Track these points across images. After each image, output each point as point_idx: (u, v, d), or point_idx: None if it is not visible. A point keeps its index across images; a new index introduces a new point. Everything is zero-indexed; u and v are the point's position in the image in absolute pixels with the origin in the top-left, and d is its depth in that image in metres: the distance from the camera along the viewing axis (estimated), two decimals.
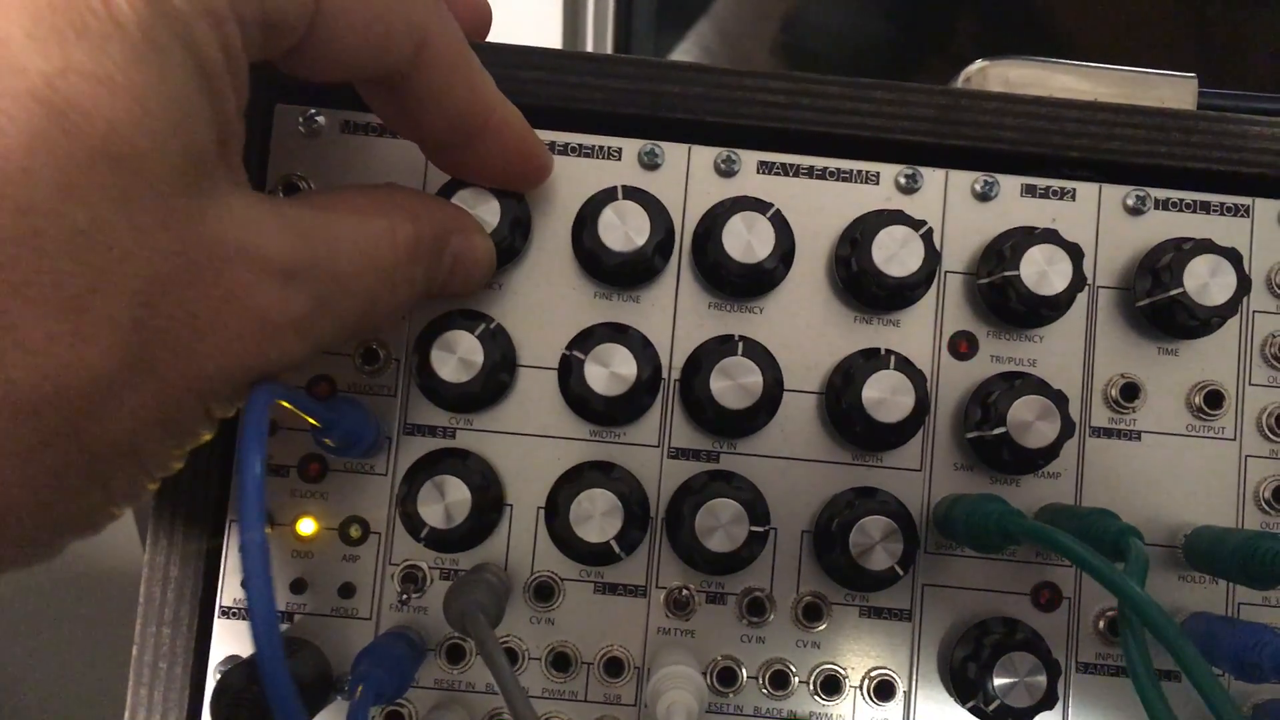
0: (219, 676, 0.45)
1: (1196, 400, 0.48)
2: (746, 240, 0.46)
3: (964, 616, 0.48)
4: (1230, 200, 0.50)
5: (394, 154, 0.48)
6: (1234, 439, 0.49)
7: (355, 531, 0.48)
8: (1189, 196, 0.50)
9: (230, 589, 0.47)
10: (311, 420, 0.40)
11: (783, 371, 0.48)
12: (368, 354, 0.48)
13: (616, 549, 0.45)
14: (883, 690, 0.47)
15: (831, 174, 0.49)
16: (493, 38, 0.49)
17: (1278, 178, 0.50)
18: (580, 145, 0.49)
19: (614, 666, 0.47)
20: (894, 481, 0.48)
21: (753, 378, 0.45)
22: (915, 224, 0.46)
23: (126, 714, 0.46)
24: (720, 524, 0.45)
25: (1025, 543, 0.45)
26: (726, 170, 0.49)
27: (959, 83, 0.53)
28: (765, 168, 0.49)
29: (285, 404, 0.35)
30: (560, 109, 0.48)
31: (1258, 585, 0.44)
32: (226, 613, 0.47)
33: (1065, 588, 0.48)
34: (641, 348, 0.46)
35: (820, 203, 0.49)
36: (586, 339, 0.46)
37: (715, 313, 0.49)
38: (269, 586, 0.30)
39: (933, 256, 0.46)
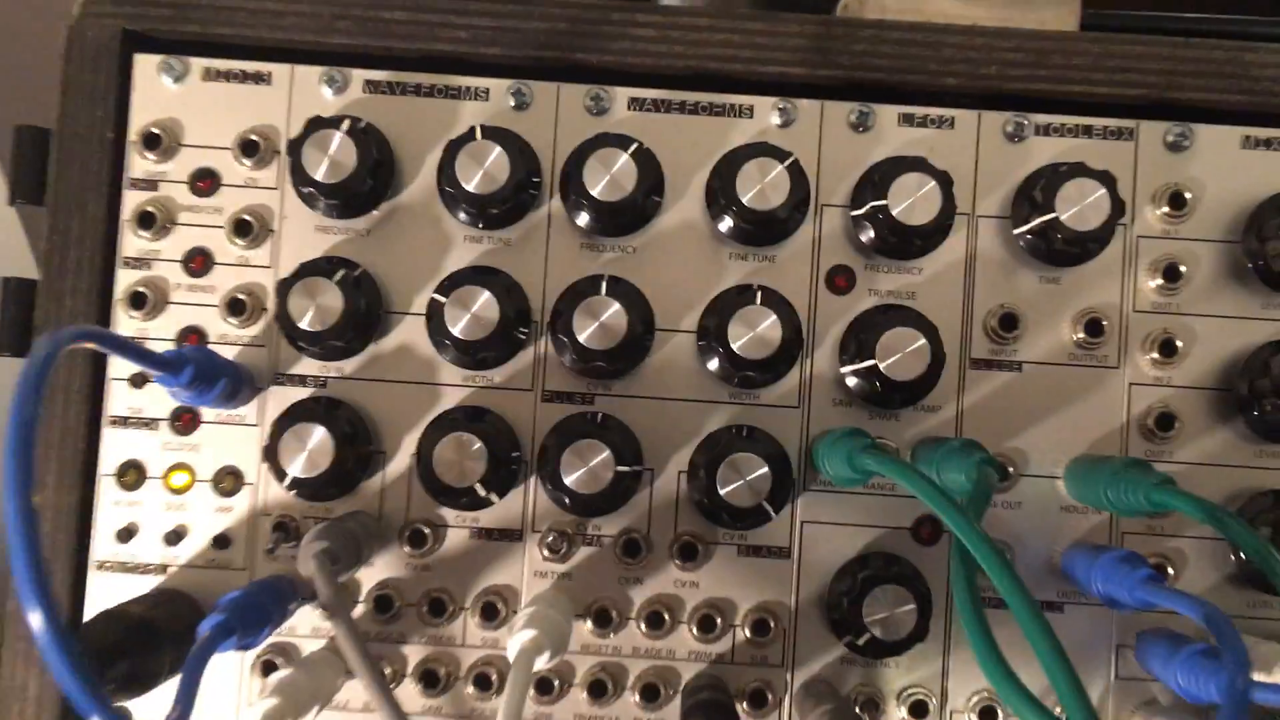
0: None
1: (1078, 329, 0.48)
2: (608, 177, 0.45)
3: (845, 553, 0.48)
4: (1114, 123, 0.48)
5: (256, 100, 0.48)
6: (1118, 367, 0.48)
7: (228, 483, 0.47)
8: (1071, 121, 0.49)
9: (104, 544, 0.47)
10: (129, 360, 0.38)
11: (656, 311, 0.47)
12: (233, 304, 0.47)
13: (482, 492, 0.45)
14: (759, 628, 0.47)
15: (704, 109, 0.48)
16: None
17: (1162, 99, 0.48)
18: (446, 87, 0.48)
19: (490, 611, 0.47)
20: (772, 419, 0.47)
21: (617, 318, 0.45)
22: (780, 154, 0.45)
23: None
24: (587, 465, 0.44)
25: (877, 475, 0.44)
26: (596, 109, 0.48)
27: (838, 11, 0.52)
28: (636, 104, 0.48)
29: (91, 345, 0.35)
30: (424, 51, 0.47)
31: (1124, 513, 0.43)
32: (102, 566, 0.47)
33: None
34: (506, 291, 0.45)
35: (694, 138, 0.48)
36: (451, 282, 0.45)
37: (587, 252, 0.48)
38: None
39: (800, 186, 0.46)
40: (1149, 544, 0.48)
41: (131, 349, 0.37)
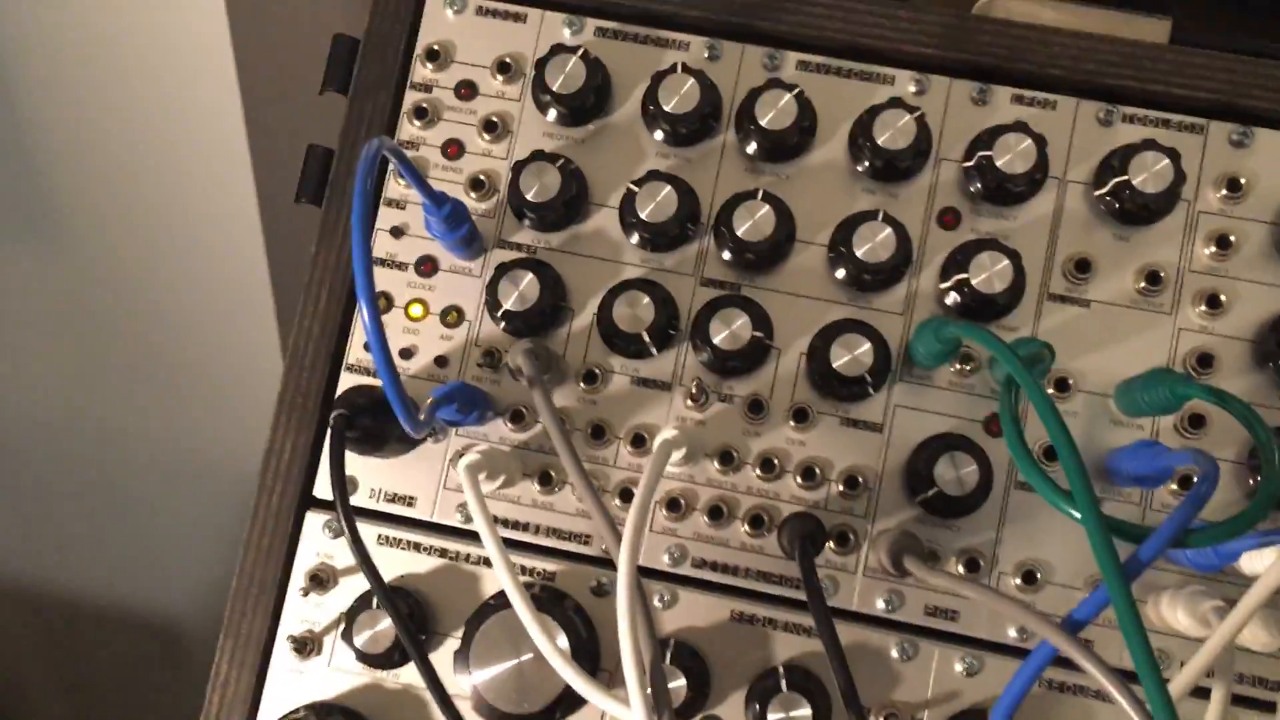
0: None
1: (1140, 279, 0.59)
2: (775, 111, 0.58)
3: (927, 433, 0.59)
4: (1188, 120, 0.60)
5: (512, 33, 0.63)
6: (1170, 313, 0.59)
7: (452, 318, 0.61)
8: (1152, 114, 0.60)
9: (355, 351, 0.62)
10: (412, 179, 0.52)
11: (798, 225, 0.60)
12: (475, 182, 0.62)
13: (647, 339, 0.58)
14: (850, 483, 0.59)
15: (856, 74, 0.61)
16: None
17: (1230, 104, 0.60)
18: (656, 37, 0.62)
19: (638, 440, 0.60)
20: (880, 321, 0.59)
21: (768, 218, 0.58)
22: (912, 109, 0.58)
23: (270, 435, 0.61)
24: (729, 327, 0.57)
25: (957, 337, 0.55)
26: (770, 66, 0.62)
27: (974, 10, 0.65)
28: (803, 65, 0.62)
29: (392, 157, 0.49)
30: (643, 8, 0.62)
31: (1156, 411, 0.54)
32: (351, 368, 0.62)
33: None
34: (685, 190, 0.59)
35: (845, 96, 0.61)
36: (645, 177, 0.59)
37: (750, 175, 0.61)
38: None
39: (924, 137, 0.58)
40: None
41: (416, 172, 0.52)
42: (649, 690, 0.47)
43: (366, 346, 0.62)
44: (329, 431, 0.54)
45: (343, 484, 0.52)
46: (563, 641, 0.55)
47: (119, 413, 1.33)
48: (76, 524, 1.40)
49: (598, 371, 0.60)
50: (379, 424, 0.56)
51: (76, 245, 1.22)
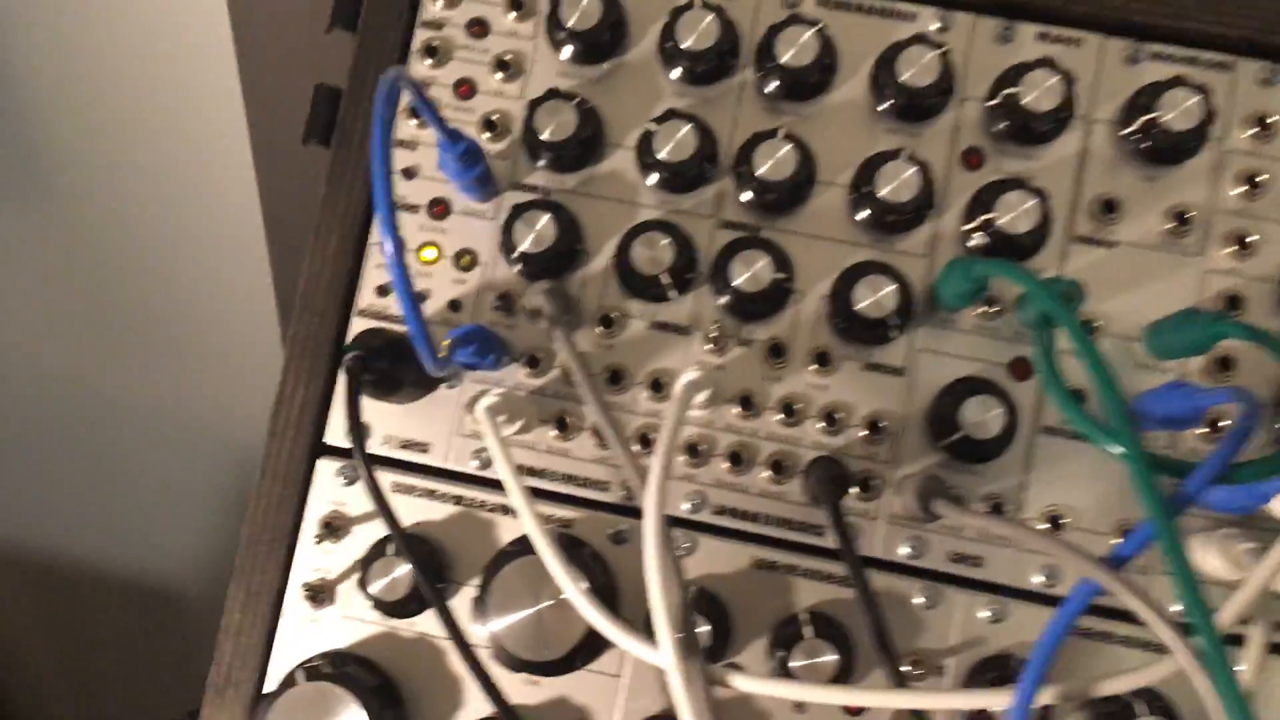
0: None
1: (1168, 219, 0.57)
2: (795, 48, 0.57)
3: (950, 377, 0.58)
4: (1217, 57, 0.59)
5: None
6: (1199, 254, 0.58)
7: (466, 261, 0.60)
8: (1180, 51, 0.59)
9: (366, 296, 0.60)
10: (429, 116, 0.51)
11: (817, 165, 0.58)
12: (488, 123, 0.60)
13: (666, 280, 0.56)
14: (874, 428, 0.58)
15: (878, 11, 0.60)
16: None
17: (1261, 43, 0.58)
18: None
19: (656, 385, 0.59)
20: (902, 262, 0.58)
21: (789, 156, 0.56)
22: (936, 44, 0.57)
23: (280, 382, 0.60)
24: (750, 269, 0.56)
25: (986, 276, 0.54)
26: (788, 2, 0.60)
27: None
28: (822, 3, 0.60)
29: (407, 91, 0.47)
30: None
31: (1188, 353, 0.53)
32: (363, 313, 0.60)
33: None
34: (704, 130, 0.57)
35: (868, 33, 0.60)
36: (664, 116, 0.57)
37: (768, 115, 0.60)
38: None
39: (947, 75, 0.57)
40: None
41: (433, 107, 0.50)
42: (679, 634, 0.46)
43: (379, 291, 0.60)
44: (344, 374, 0.53)
45: (358, 427, 0.51)
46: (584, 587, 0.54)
47: (113, 377, 1.32)
48: (70, 490, 1.39)
49: (614, 315, 0.59)
50: (394, 367, 0.55)
51: (68, 206, 1.20)
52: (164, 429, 1.34)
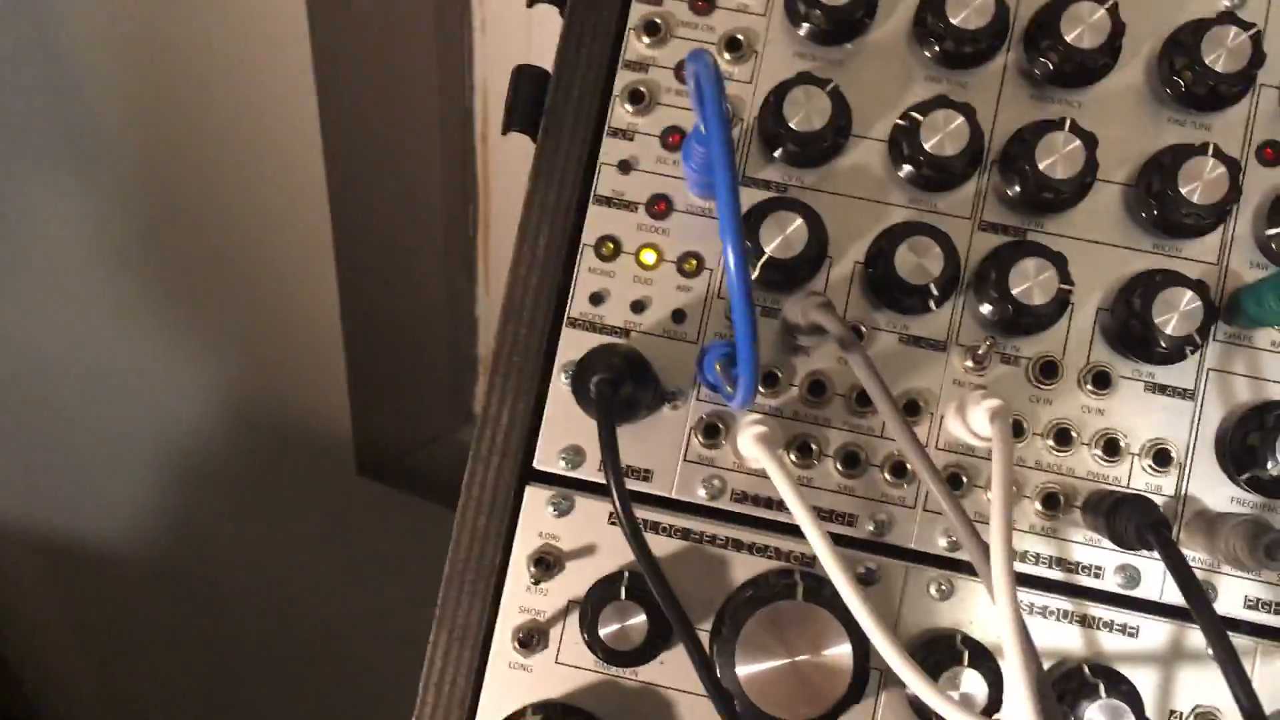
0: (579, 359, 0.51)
1: None
2: (1082, 27, 0.50)
3: (1244, 402, 0.51)
4: None
5: None
6: None
7: (690, 265, 0.53)
8: None
9: (579, 303, 0.54)
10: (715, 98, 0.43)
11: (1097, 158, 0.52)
12: None
13: (935, 291, 0.50)
14: (1160, 458, 0.51)
15: None
16: None
17: None
18: None
19: (911, 408, 0.52)
20: (1189, 270, 0.51)
21: (1078, 152, 0.49)
22: (1245, 25, 0.50)
23: (481, 392, 0.53)
24: (1031, 280, 0.49)
25: None
26: None
27: None
28: None
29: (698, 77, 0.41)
30: None
31: None
32: (573, 323, 0.54)
33: None
34: (970, 114, 0.51)
35: (1153, 5, 0.53)
36: (929, 105, 0.51)
37: (1036, 103, 0.53)
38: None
39: (1258, 59, 0.50)
40: None
41: (719, 94, 0.43)
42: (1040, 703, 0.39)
43: (593, 299, 0.54)
44: (595, 399, 0.46)
45: (617, 466, 0.44)
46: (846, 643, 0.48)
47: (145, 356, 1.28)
48: (92, 467, 1.35)
49: (864, 330, 0.52)
50: (637, 390, 0.49)
51: (118, 178, 1.16)
52: (232, 420, 1.29)
